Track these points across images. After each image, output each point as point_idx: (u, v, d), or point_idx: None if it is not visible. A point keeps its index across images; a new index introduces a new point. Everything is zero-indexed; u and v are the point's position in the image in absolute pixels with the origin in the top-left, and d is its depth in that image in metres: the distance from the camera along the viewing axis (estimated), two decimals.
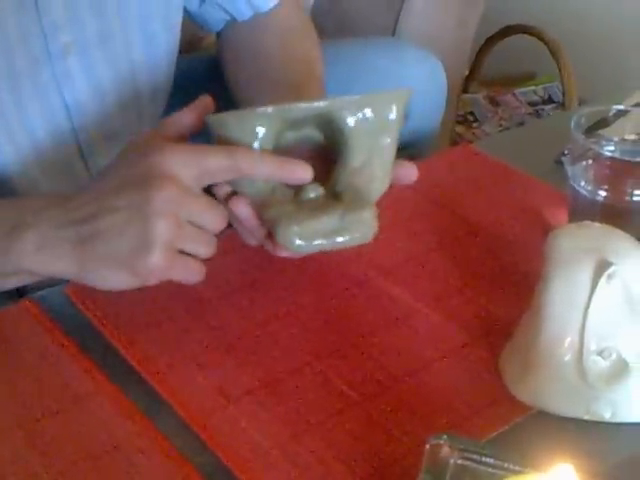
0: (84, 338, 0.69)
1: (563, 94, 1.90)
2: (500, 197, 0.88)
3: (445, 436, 0.55)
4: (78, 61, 0.82)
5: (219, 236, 0.64)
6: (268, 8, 0.95)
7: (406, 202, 0.87)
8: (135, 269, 0.60)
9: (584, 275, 0.61)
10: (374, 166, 0.66)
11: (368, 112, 0.65)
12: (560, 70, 1.86)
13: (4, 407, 0.63)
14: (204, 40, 1.36)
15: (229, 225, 0.65)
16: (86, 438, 0.61)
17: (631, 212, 0.74)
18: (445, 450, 0.55)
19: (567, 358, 0.61)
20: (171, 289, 0.65)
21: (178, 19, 0.92)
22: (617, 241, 0.64)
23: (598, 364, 0.61)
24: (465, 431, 0.61)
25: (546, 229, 0.71)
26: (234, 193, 0.65)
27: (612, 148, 0.77)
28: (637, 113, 0.83)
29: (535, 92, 2.04)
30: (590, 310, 0.61)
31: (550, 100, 2.03)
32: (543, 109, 2.01)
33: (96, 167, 0.89)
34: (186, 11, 0.94)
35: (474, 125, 1.98)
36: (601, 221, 0.68)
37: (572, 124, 0.76)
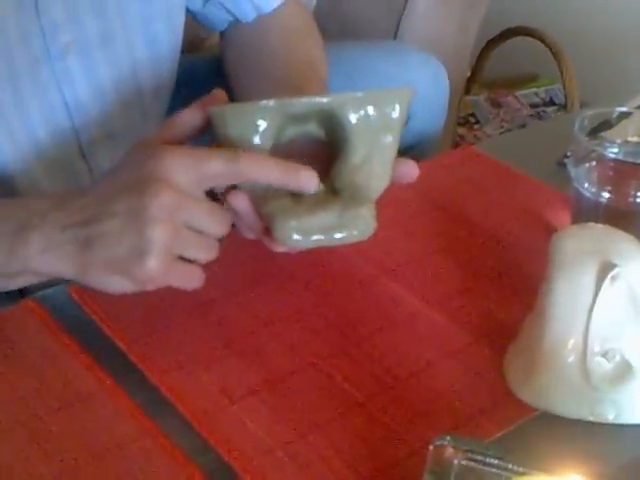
0: (86, 337, 0.69)
1: (565, 96, 1.90)
2: (502, 199, 0.88)
3: (449, 437, 0.55)
4: (78, 61, 0.82)
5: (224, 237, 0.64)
6: (271, 9, 0.95)
7: (408, 203, 0.87)
8: (132, 275, 0.59)
9: (588, 277, 0.61)
10: (374, 163, 0.66)
11: (370, 109, 0.65)
12: (561, 72, 1.86)
13: (7, 406, 0.63)
14: (207, 41, 1.36)
15: (232, 225, 0.65)
16: (88, 437, 0.61)
17: (634, 214, 0.74)
18: (449, 451, 0.55)
19: (571, 359, 0.61)
20: (174, 289, 0.65)
21: (181, 19, 0.92)
22: (621, 243, 0.64)
23: (602, 365, 0.61)
24: (469, 432, 0.61)
25: (549, 231, 0.71)
26: (232, 187, 0.65)
27: (615, 150, 0.77)
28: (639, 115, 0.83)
29: (537, 94, 2.05)
30: (594, 312, 0.61)
31: (552, 102, 2.03)
32: (545, 111, 2.01)
33: (97, 166, 0.89)
34: (189, 11, 0.94)
35: (475, 127, 1.98)
36: (604, 223, 0.68)
37: (575, 126, 0.76)
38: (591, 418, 0.62)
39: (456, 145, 1.80)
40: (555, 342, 0.62)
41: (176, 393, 0.64)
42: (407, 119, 1.06)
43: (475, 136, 1.94)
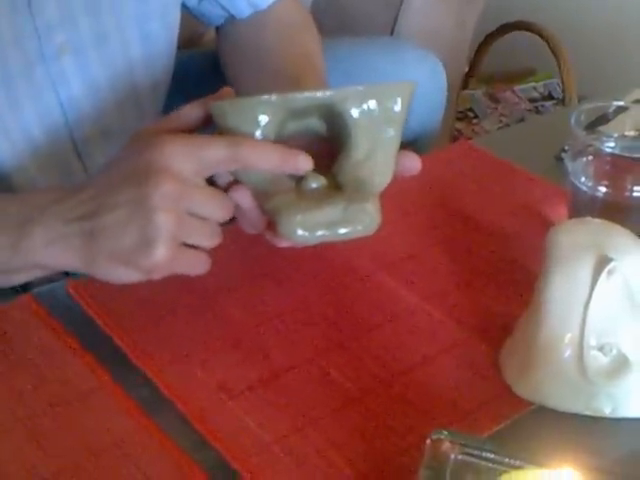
0: (85, 334, 0.69)
1: (563, 90, 1.90)
2: (500, 193, 0.88)
3: (446, 432, 0.55)
4: (73, 61, 0.82)
5: (223, 229, 0.63)
6: (267, 5, 0.95)
7: (405, 198, 0.87)
8: (139, 265, 0.60)
9: (584, 271, 0.61)
10: (377, 158, 0.66)
11: (372, 103, 0.65)
12: (559, 66, 1.86)
13: (5, 403, 0.63)
14: (205, 37, 1.36)
15: (232, 219, 0.65)
16: (87, 434, 0.61)
17: (631, 208, 0.75)
18: (446, 445, 0.55)
19: (567, 354, 0.61)
20: (172, 284, 0.65)
21: (176, 16, 0.91)
22: (617, 237, 0.65)
23: (598, 360, 0.61)
24: (466, 427, 0.61)
25: (546, 225, 0.71)
26: (235, 182, 0.65)
27: (612, 144, 0.77)
28: (637, 109, 0.83)
29: (535, 88, 2.04)
30: (590, 306, 0.61)
31: (550, 96, 2.03)
32: (543, 105, 2.01)
33: (93, 165, 0.89)
34: (185, 7, 0.94)
35: (474, 121, 1.98)
36: (601, 217, 0.68)
37: (572, 120, 0.76)
38: (587, 412, 0.62)
39: (454, 140, 1.80)
40: (551, 336, 0.62)
41: (174, 389, 0.64)
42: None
43: (473, 131, 1.94)
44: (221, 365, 0.66)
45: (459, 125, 1.94)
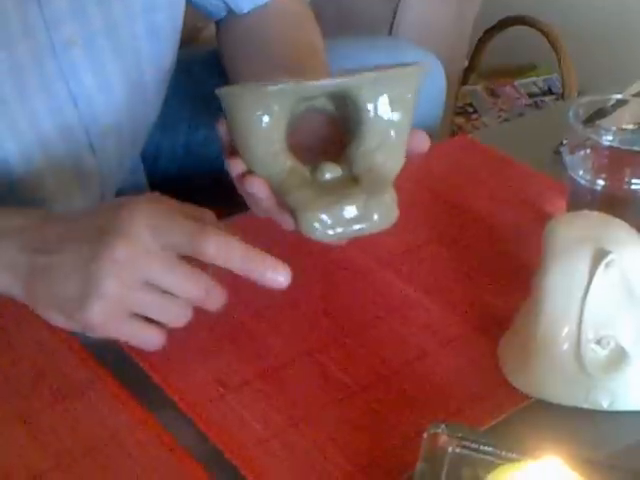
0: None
1: (562, 85, 1.90)
2: (499, 187, 0.88)
3: (443, 425, 0.55)
4: (83, 52, 0.81)
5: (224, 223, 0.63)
6: (267, 0, 0.95)
7: (404, 193, 0.86)
8: (73, 317, 0.59)
9: (582, 264, 0.61)
10: (391, 144, 0.66)
11: (385, 89, 0.65)
12: (559, 61, 1.86)
13: (2, 398, 0.63)
14: (203, 31, 1.36)
15: (230, 213, 0.64)
16: (84, 429, 0.61)
17: (629, 201, 0.74)
18: (443, 439, 0.55)
19: (565, 347, 0.61)
20: None
21: (181, 8, 0.91)
22: (615, 230, 0.64)
23: (596, 353, 0.61)
24: (463, 420, 0.61)
25: (545, 218, 0.71)
26: (249, 172, 0.65)
27: (610, 137, 0.77)
28: (635, 103, 0.83)
29: (535, 83, 2.04)
30: (588, 299, 0.61)
31: (550, 91, 2.03)
32: (543, 100, 2.01)
33: (105, 161, 0.88)
34: (188, 0, 0.94)
35: (473, 116, 1.97)
36: (599, 210, 0.68)
37: (570, 114, 0.76)
38: (585, 405, 0.62)
39: (454, 135, 1.80)
40: (549, 329, 0.62)
41: (172, 384, 0.64)
42: None
43: (473, 126, 1.94)
44: (219, 359, 0.66)
45: (459, 120, 1.94)
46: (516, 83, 2.04)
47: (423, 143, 0.69)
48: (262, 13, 0.94)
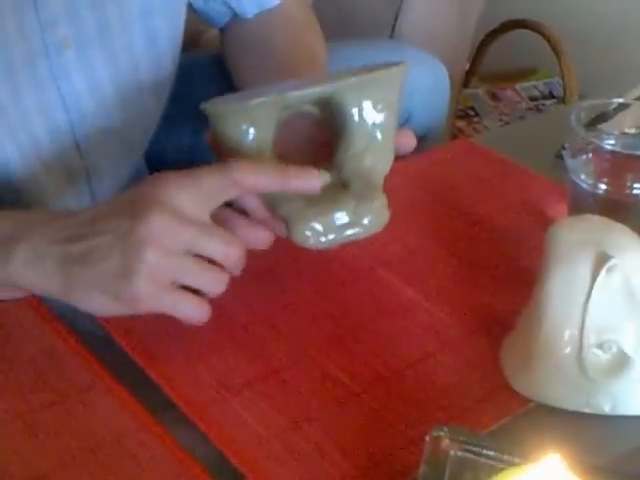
0: (84, 331, 0.69)
1: (564, 89, 1.90)
2: (500, 191, 0.88)
3: (445, 428, 0.55)
4: (75, 56, 0.81)
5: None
6: (274, 5, 0.95)
7: (405, 196, 0.87)
8: (118, 295, 0.58)
9: (584, 268, 0.61)
10: (378, 146, 0.66)
11: (369, 92, 0.65)
12: (560, 65, 1.86)
13: (4, 399, 0.63)
14: (203, 35, 1.36)
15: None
16: (86, 431, 0.61)
17: (631, 205, 0.74)
18: (445, 442, 0.55)
19: (567, 351, 0.61)
20: None
21: (182, 16, 0.91)
22: (617, 234, 0.64)
23: (598, 357, 0.61)
24: (465, 423, 0.61)
25: (546, 223, 0.71)
26: None
27: (612, 142, 0.77)
28: (637, 107, 0.83)
29: (536, 87, 2.04)
30: (590, 303, 0.61)
31: (551, 95, 2.03)
32: (544, 104, 2.01)
33: (94, 164, 0.88)
34: (191, 7, 0.94)
35: (475, 120, 1.98)
36: (601, 214, 0.68)
37: (572, 118, 0.76)
38: (587, 410, 0.62)
39: (455, 138, 1.80)
40: (551, 333, 0.62)
41: (173, 385, 0.64)
42: (407, 119, 1.07)
43: (474, 129, 1.94)
44: (221, 362, 0.66)
45: (460, 123, 1.94)
46: (517, 86, 2.04)
47: (410, 142, 0.69)
48: (266, 18, 0.95)
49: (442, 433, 0.55)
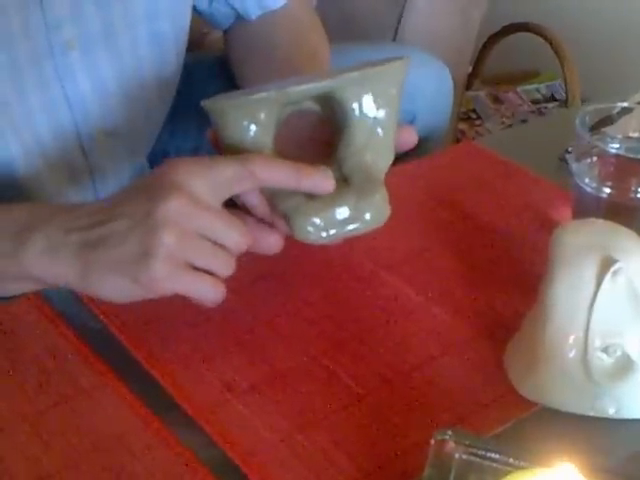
0: (88, 331, 0.69)
1: (566, 92, 1.90)
2: (504, 194, 0.88)
3: (450, 431, 0.55)
4: (80, 56, 0.82)
5: None
6: (278, 6, 0.95)
7: (409, 199, 0.87)
8: (136, 277, 0.59)
9: (589, 272, 0.61)
10: (378, 142, 0.66)
11: (369, 88, 0.65)
12: (563, 68, 1.86)
13: (9, 399, 0.63)
14: (208, 36, 1.36)
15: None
16: (91, 431, 0.61)
17: (635, 209, 0.74)
18: (450, 445, 0.55)
19: (572, 354, 0.61)
20: None
21: (186, 18, 0.91)
22: (622, 238, 0.65)
23: (603, 360, 0.61)
24: (470, 426, 0.61)
25: (550, 226, 0.71)
26: None
27: (616, 145, 0.77)
28: None
29: (538, 90, 2.05)
30: (595, 307, 0.61)
31: (553, 98, 2.03)
32: (546, 107, 2.01)
33: (97, 165, 0.89)
34: (195, 9, 0.94)
35: (477, 122, 1.98)
36: (605, 218, 0.68)
37: (577, 121, 0.76)
38: (592, 413, 0.62)
39: (457, 141, 1.80)
40: (556, 337, 0.62)
41: (178, 387, 0.64)
42: (411, 121, 1.07)
43: (476, 132, 1.94)
44: (225, 363, 0.66)
45: (462, 126, 1.94)
46: (519, 89, 2.04)
47: (411, 138, 0.69)
48: (269, 20, 0.95)
49: (447, 436, 0.55)
